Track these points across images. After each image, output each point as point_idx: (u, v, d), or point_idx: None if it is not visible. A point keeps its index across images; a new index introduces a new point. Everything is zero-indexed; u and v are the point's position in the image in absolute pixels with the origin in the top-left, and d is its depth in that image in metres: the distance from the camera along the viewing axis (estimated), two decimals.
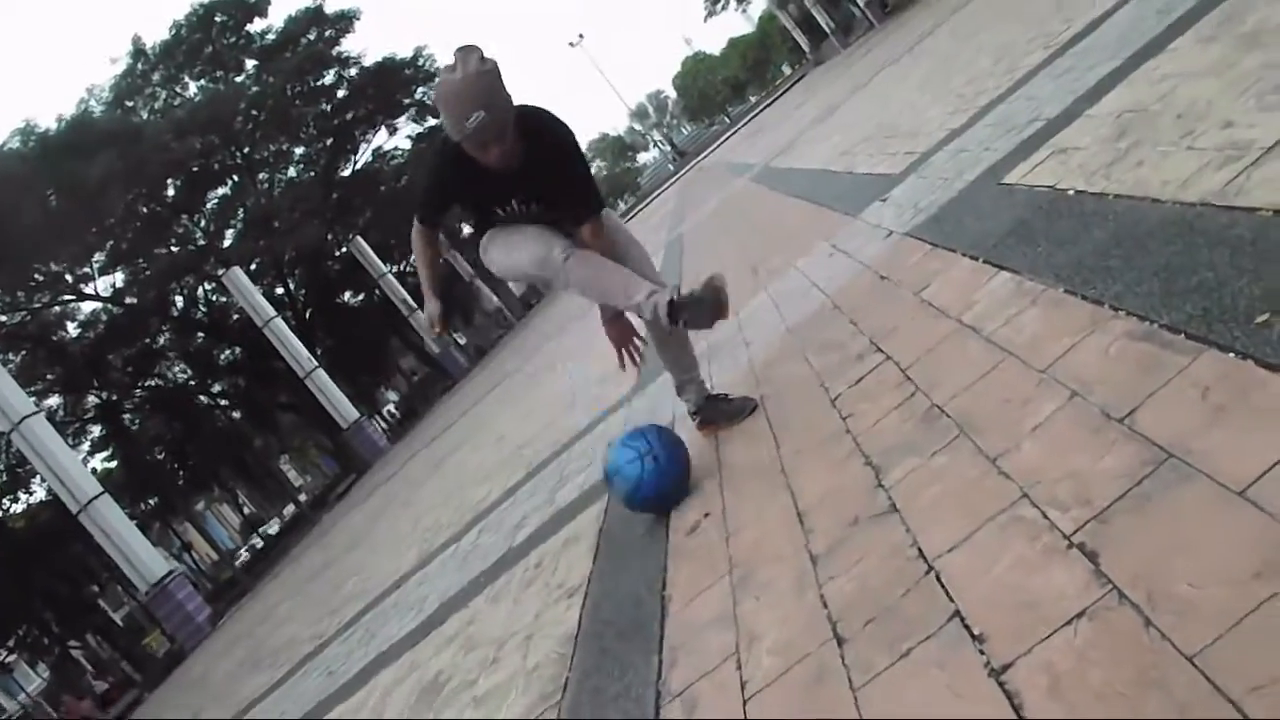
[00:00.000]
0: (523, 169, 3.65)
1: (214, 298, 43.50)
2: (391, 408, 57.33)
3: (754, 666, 2.24)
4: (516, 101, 3.55)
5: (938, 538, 2.13)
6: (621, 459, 3.59)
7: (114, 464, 42.32)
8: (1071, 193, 3.51)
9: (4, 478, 33.99)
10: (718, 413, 4.12)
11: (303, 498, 52.36)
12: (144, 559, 20.46)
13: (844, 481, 2.76)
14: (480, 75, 3.40)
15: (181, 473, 43.56)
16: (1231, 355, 1.91)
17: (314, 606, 9.85)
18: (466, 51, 3.44)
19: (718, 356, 5.53)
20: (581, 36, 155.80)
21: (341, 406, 33.32)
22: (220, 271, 34.83)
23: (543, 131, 3.69)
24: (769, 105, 73.01)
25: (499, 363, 29.79)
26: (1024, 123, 5.09)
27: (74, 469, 21.01)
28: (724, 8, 72.02)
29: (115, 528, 20.40)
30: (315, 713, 5.38)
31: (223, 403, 45.47)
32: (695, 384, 4.19)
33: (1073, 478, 1.96)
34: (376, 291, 49.01)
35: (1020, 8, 10.11)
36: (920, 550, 2.14)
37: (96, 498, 20.45)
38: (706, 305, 3.61)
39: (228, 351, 45.11)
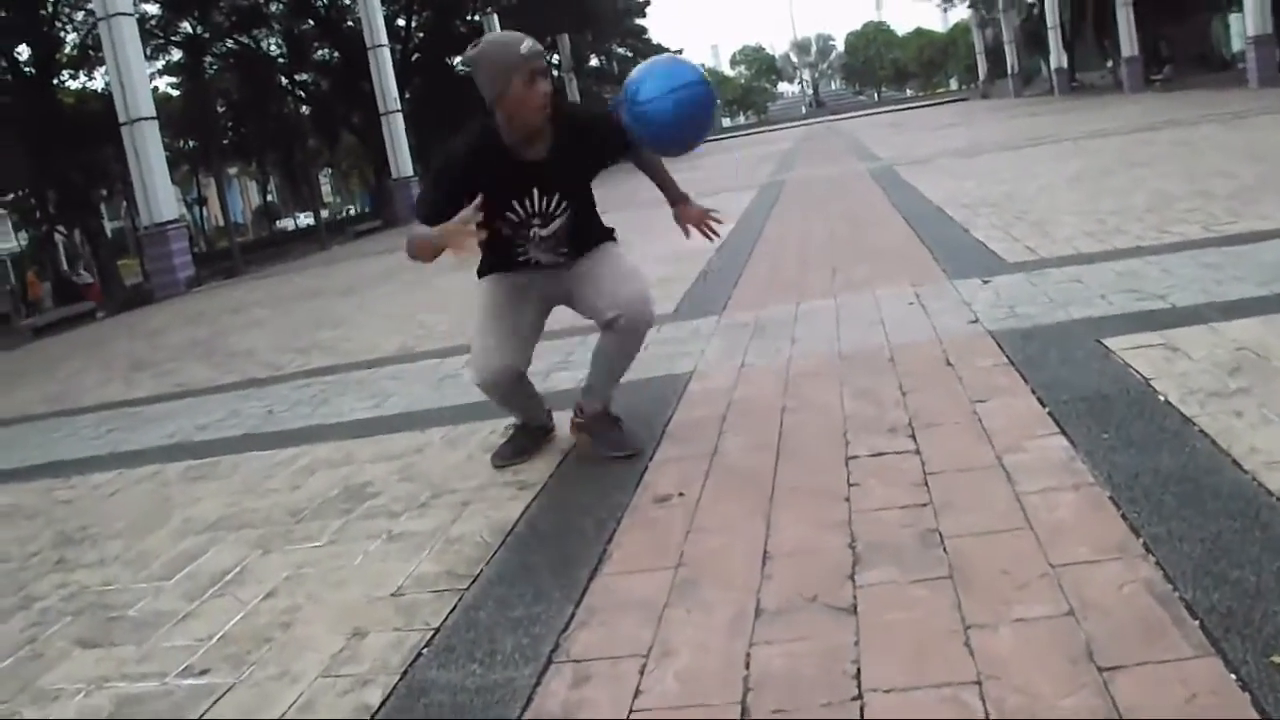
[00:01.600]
0: (550, 156, 3.59)
1: None
2: None
3: (654, 681, 2.25)
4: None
5: (880, 670, 2.13)
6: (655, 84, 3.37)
7: (176, 94, 42.14)
8: (1163, 400, 3.46)
9: (76, 52, 33.85)
10: (602, 433, 3.95)
11: (325, 215, 52.43)
12: (159, 196, 20.51)
13: (821, 549, 2.76)
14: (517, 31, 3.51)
15: (230, 133, 43.57)
16: (1234, 679, 1.89)
17: (284, 333, 9.87)
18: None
19: (763, 335, 5.52)
20: None
21: (401, 158, 33.15)
22: None
23: (576, 117, 3.70)
24: (921, 106, 72.10)
25: None
26: (1150, 293, 5.00)
27: (140, 83, 20.85)
28: (948, 3, 70.34)
29: (149, 155, 20.40)
30: (239, 444, 5.41)
31: (299, 93, 45.24)
32: (602, 395, 3.96)
33: (1027, 696, 1.96)
34: None
35: (1198, 165, 9.92)
36: (859, 671, 2.14)
37: (146, 120, 20.43)
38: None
39: (326, 50, 44.75)
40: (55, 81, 31.55)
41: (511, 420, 4.26)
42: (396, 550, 3.35)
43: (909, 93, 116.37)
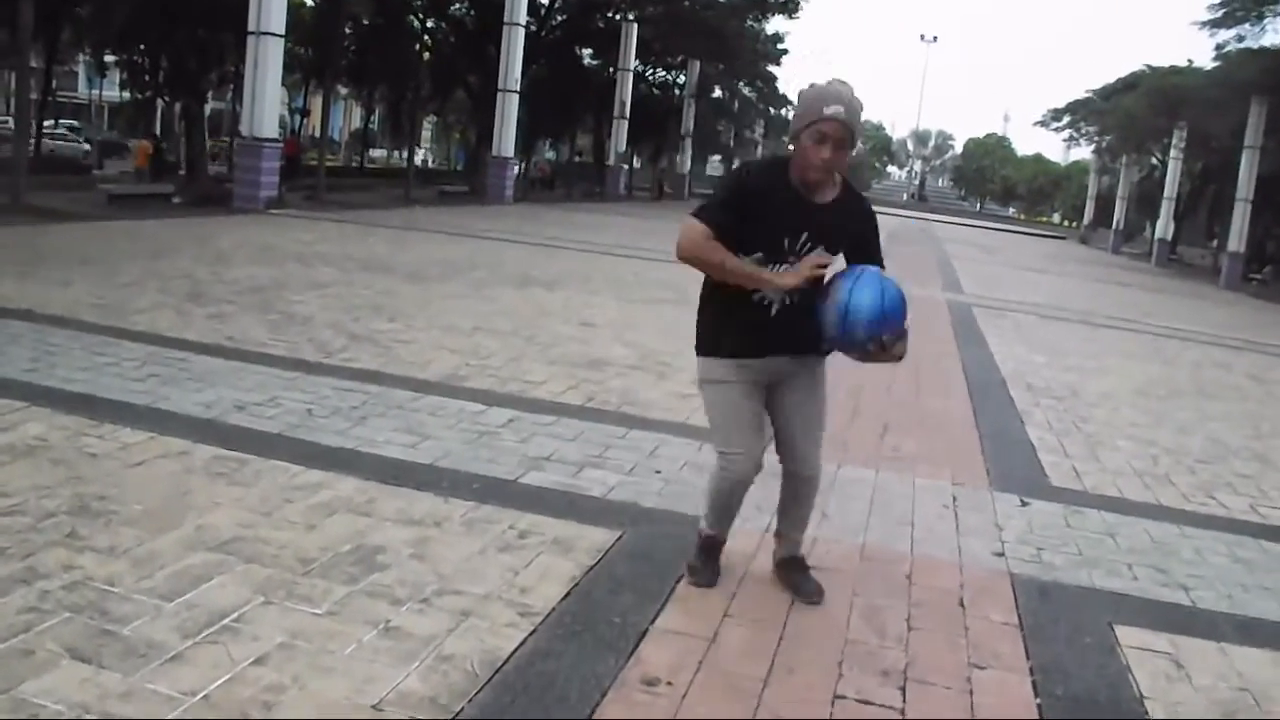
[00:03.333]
0: (827, 208, 3.81)
1: None
2: (542, 165, 58.04)
3: None
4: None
5: None
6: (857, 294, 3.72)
7: (308, 15, 42.45)
8: None
9: None
10: (790, 574, 4.29)
11: (419, 161, 52.74)
12: (266, 113, 20.87)
13: None
14: (846, 86, 3.71)
15: (350, 55, 43.80)
16: None
17: (343, 308, 9.98)
18: (838, 80, 3.72)
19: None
20: (936, 39, 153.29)
21: (506, 137, 33.44)
22: None
23: (859, 197, 3.99)
24: (1019, 232, 71.88)
25: (643, 211, 30.02)
26: (1176, 579, 4.99)
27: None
28: (1074, 142, 70.29)
29: (267, 70, 20.76)
30: (271, 444, 5.52)
31: (426, 39, 45.47)
32: (791, 541, 4.34)
33: None
34: (610, 71, 49.79)
35: (1265, 416, 9.87)
36: None
37: (273, 36, 20.73)
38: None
39: (463, 6, 44.96)
40: None
41: (706, 529, 4.35)
42: (388, 651, 3.42)
43: (1011, 211, 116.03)
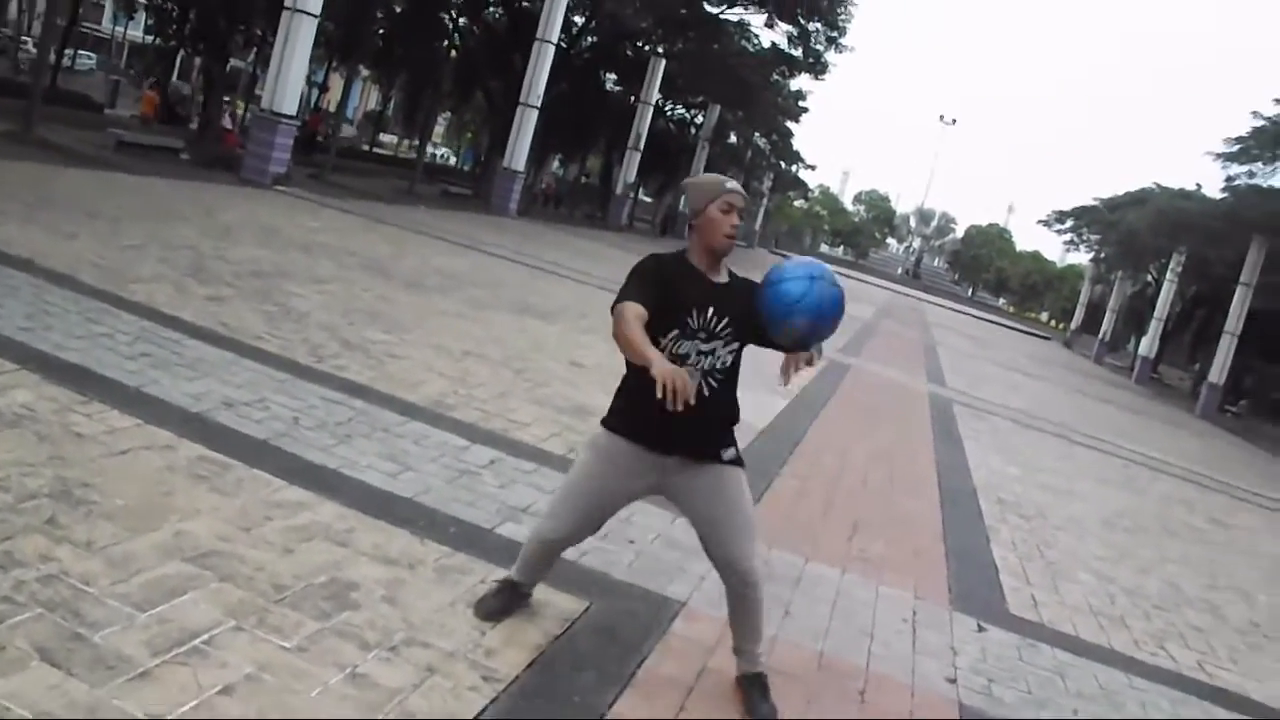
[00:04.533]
0: (725, 287, 4.07)
1: None
2: (549, 182, 58.15)
3: None
4: None
5: None
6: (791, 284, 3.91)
7: None
8: None
9: None
10: (749, 693, 4.22)
11: (429, 155, 52.65)
12: (288, 88, 20.91)
13: None
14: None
15: (379, 42, 43.83)
16: None
17: (340, 310, 9.97)
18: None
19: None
20: (955, 121, 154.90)
21: (519, 150, 33.54)
22: None
23: (749, 281, 4.14)
24: (1006, 325, 72.47)
25: (643, 246, 29.70)
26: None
27: None
28: (1073, 246, 71.15)
29: (296, 47, 20.82)
30: (256, 450, 5.55)
31: (457, 36, 45.52)
32: (748, 654, 4.28)
33: None
34: (631, 100, 50.08)
35: (1222, 566, 9.99)
36: None
37: (307, 14, 20.78)
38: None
39: (497, 12, 45.04)
40: None
41: (505, 574, 4.49)
42: (354, 700, 3.45)
43: (1001, 302, 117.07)
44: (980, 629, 6.02)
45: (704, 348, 3.98)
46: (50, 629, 3.37)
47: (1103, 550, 9.14)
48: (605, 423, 4.16)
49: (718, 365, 4.02)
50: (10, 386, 5.46)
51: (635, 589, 5.06)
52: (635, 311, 3.75)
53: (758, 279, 4.08)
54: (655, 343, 3.73)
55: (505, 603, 4.41)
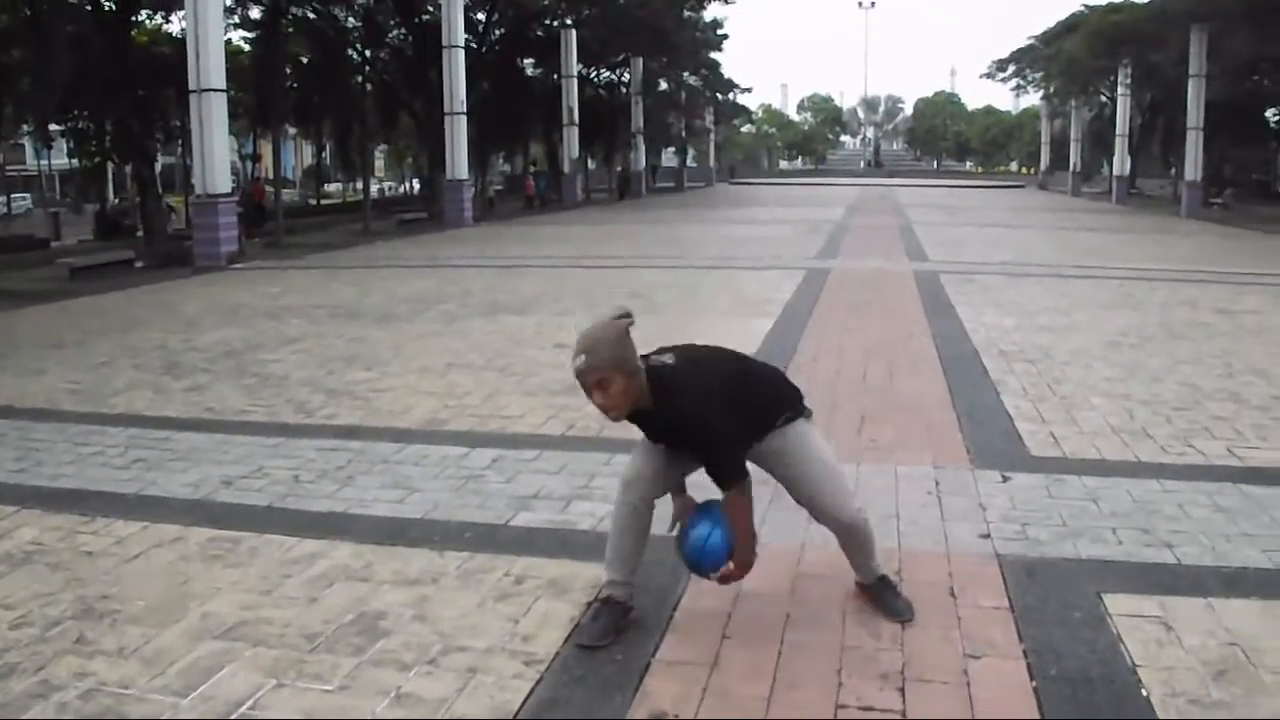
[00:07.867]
0: (653, 415, 4.02)
1: None
2: (496, 187, 58.13)
3: None
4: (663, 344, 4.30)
5: None
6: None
7: (247, 51, 42.31)
8: (1145, 696, 3.60)
9: None
10: (882, 598, 4.36)
11: (374, 191, 52.52)
12: (216, 169, 20.88)
13: None
14: (602, 327, 3.89)
15: (295, 97, 43.70)
16: None
17: (317, 362, 10.01)
18: (617, 310, 3.99)
19: (781, 500, 5.59)
20: (873, 4, 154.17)
21: (458, 160, 33.49)
22: None
23: (668, 398, 3.95)
24: (978, 186, 72.29)
25: (604, 216, 30.13)
26: (1159, 537, 5.10)
27: (214, 48, 21.01)
28: (1022, 90, 70.90)
29: (212, 127, 20.79)
30: (262, 518, 5.61)
31: (367, 69, 45.41)
32: (865, 570, 4.41)
33: None
34: (554, 78, 49.98)
35: (1237, 352, 10.01)
36: None
37: (215, 92, 20.76)
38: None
39: (400, 33, 44.90)
40: (134, 19, 31.60)
41: (605, 591, 4.27)
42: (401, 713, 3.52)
43: (969, 165, 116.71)
44: (1004, 479, 6.08)
45: None
46: None
47: (1112, 371, 9.18)
48: None
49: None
50: (14, 528, 5.51)
51: (655, 540, 5.08)
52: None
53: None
54: None
55: (609, 624, 4.16)
